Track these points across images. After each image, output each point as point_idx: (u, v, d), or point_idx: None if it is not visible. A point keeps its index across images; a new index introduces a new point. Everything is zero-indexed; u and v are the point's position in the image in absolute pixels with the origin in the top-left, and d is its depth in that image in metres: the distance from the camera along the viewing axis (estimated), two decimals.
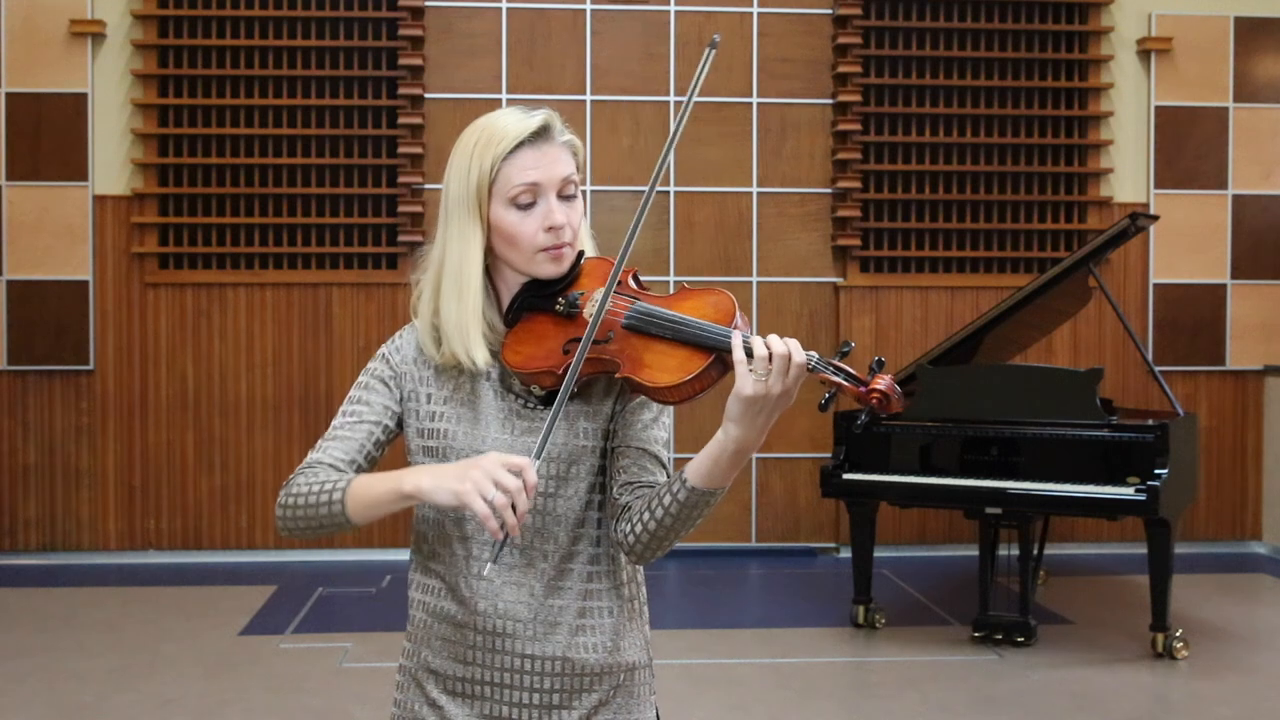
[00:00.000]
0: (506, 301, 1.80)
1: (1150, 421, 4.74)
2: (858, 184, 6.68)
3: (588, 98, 6.67)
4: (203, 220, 6.49)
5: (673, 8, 6.69)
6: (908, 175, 6.77)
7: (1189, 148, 6.88)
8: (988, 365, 5.24)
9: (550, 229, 1.74)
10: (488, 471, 1.56)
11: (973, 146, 6.78)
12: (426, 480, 1.62)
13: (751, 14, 6.72)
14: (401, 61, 6.52)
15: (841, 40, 6.66)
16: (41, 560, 6.50)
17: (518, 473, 1.56)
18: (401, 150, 6.51)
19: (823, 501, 6.61)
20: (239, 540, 6.58)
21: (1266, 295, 6.93)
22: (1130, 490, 4.62)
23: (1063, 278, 5.10)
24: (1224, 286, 6.91)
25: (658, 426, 1.78)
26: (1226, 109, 6.88)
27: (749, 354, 1.57)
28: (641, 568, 1.87)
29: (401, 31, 6.51)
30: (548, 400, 1.78)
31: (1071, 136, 6.82)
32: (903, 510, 6.38)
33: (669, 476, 1.72)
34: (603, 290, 1.70)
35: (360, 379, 1.84)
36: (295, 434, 6.55)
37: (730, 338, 1.60)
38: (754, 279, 6.75)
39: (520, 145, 1.73)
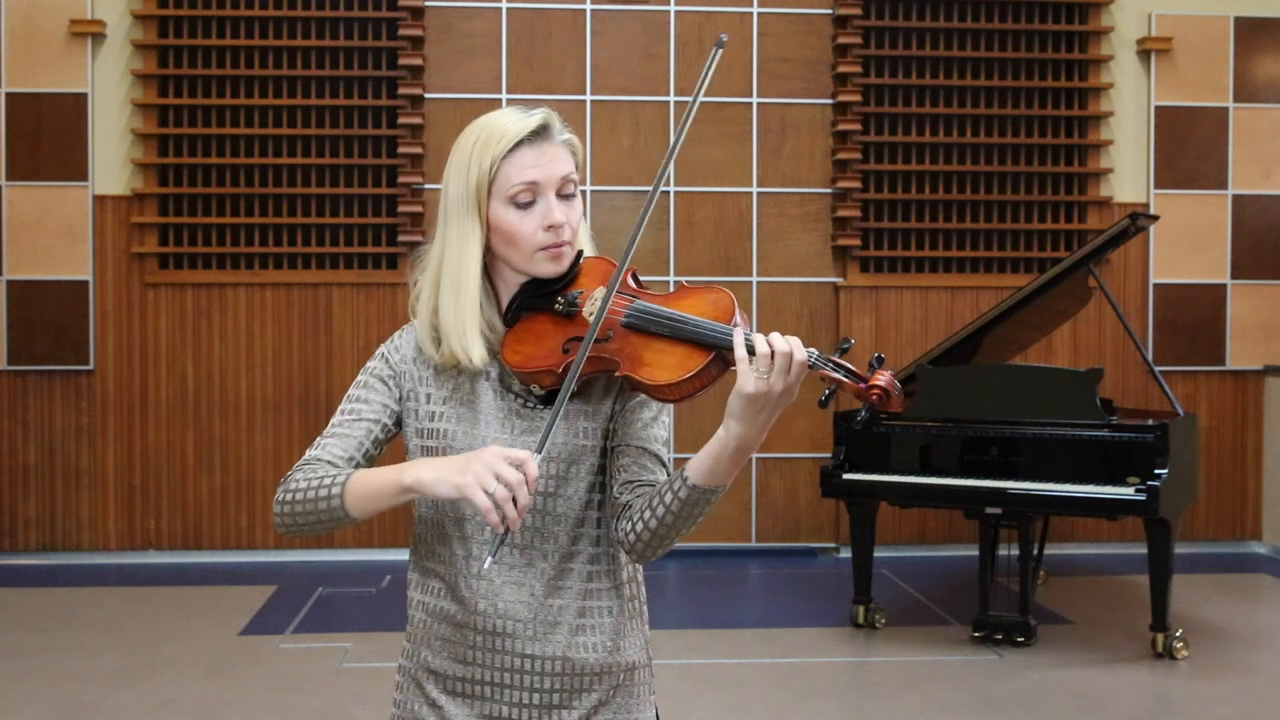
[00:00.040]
0: (506, 301, 1.80)
1: (1150, 421, 4.74)
2: (858, 184, 6.68)
3: (588, 98, 6.67)
4: (203, 220, 6.49)
5: (673, 8, 6.69)
6: (908, 175, 6.77)
7: (1189, 148, 6.88)
8: (988, 365, 5.24)
9: (549, 228, 1.74)
10: (489, 464, 1.56)
11: (973, 146, 6.78)
12: (427, 473, 1.62)
13: (751, 14, 6.72)
14: (401, 61, 6.52)
15: (841, 40, 6.66)
16: (41, 560, 6.50)
17: (519, 466, 1.56)
18: (401, 150, 6.51)
19: (823, 501, 6.61)
20: (239, 540, 6.58)
21: (1266, 295, 6.93)
22: (1130, 490, 4.62)
23: (1063, 278, 5.10)
24: (1224, 286, 6.91)
25: (657, 425, 1.78)
26: (1226, 109, 6.88)
27: (751, 351, 1.57)
28: (641, 567, 1.87)
29: (401, 31, 6.51)
30: (547, 400, 1.78)
31: (1071, 136, 6.82)
32: (903, 510, 6.38)
33: (669, 475, 1.72)
34: (602, 289, 1.70)
35: (359, 378, 1.83)
36: (295, 434, 6.55)
37: (730, 335, 1.60)
38: (754, 279, 6.75)
39: (519, 144, 1.73)
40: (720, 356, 1.63)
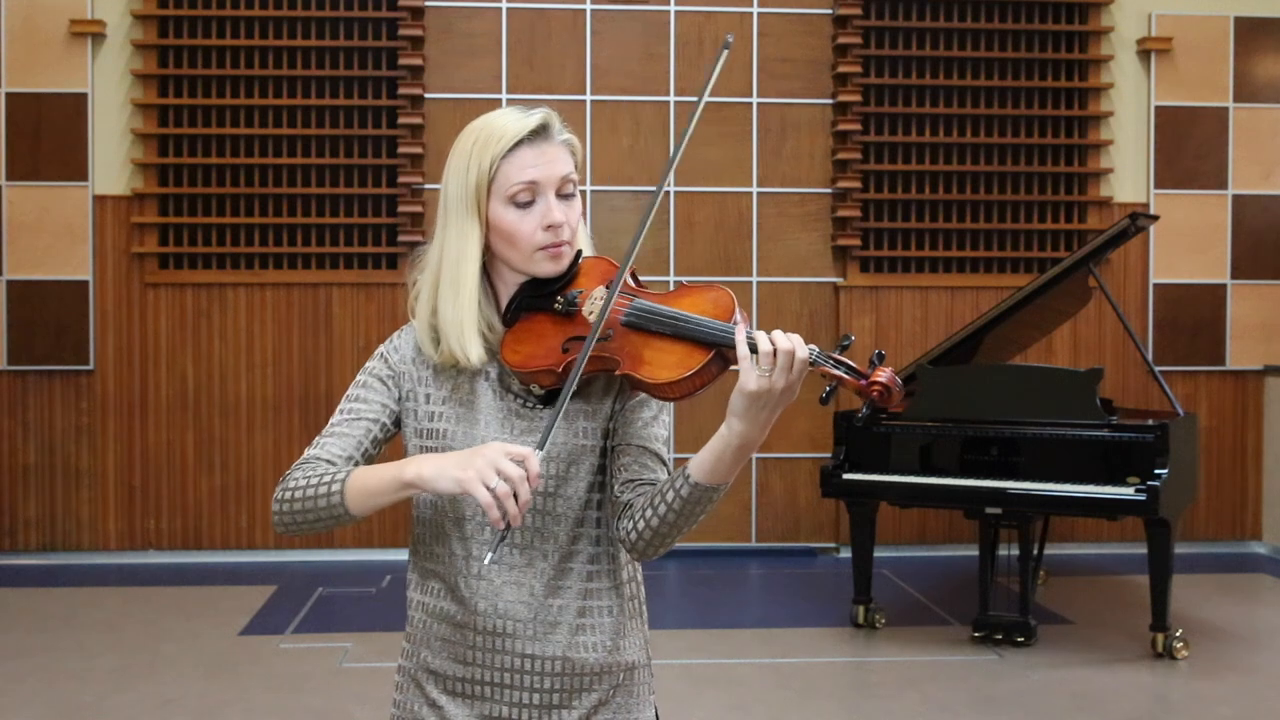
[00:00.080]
0: (505, 301, 1.80)
1: (1150, 421, 4.74)
2: (858, 184, 6.68)
3: (588, 98, 6.67)
4: (203, 220, 6.49)
5: (673, 8, 6.69)
6: (908, 175, 6.77)
7: (1189, 148, 6.88)
8: (988, 365, 5.24)
9: (549, 227, 1.74)
10: (491, 460, 1.56)
11: (973, 146, 6.78)
12: (428, 468, 1.61)
13: (751, 14, 6.72)
14: (401, 61, 6.52)
15: (841, 40, 6.66)
16: (41, 560, 6.50)
17: (520, 462, 1.56)
18: (401, 150, 6.51)
19: (823, 501, 6.61)
20: (239, 540, 6.58)
21: (1266, 295, 6.93)
22: (1130, 490, 4.62)
23: (1063, 278, 5.10)
24: (1224, 286, 6.91)
25: (658, 424, 1.78)
26: (1226, 109, 6.88)
27: (752, 349, 1.57)
28: (641, 567, 1.87)
29: (401, 31, 6.51)
30: (547, 400, 1.78)
31: (1071, 136, 6.82)
32: (903, 510, 6.37)
33: (670, 474, 1.72)
34: (601, 289, 1.70)
35: (359, 377, 1.83)
36: (295, 434, 6.55)
37: (730, 333, 1.60)
38: (754, 279, 6.75)
39: (519, 144, 1.73)
40: (720, 354, 1.63)
